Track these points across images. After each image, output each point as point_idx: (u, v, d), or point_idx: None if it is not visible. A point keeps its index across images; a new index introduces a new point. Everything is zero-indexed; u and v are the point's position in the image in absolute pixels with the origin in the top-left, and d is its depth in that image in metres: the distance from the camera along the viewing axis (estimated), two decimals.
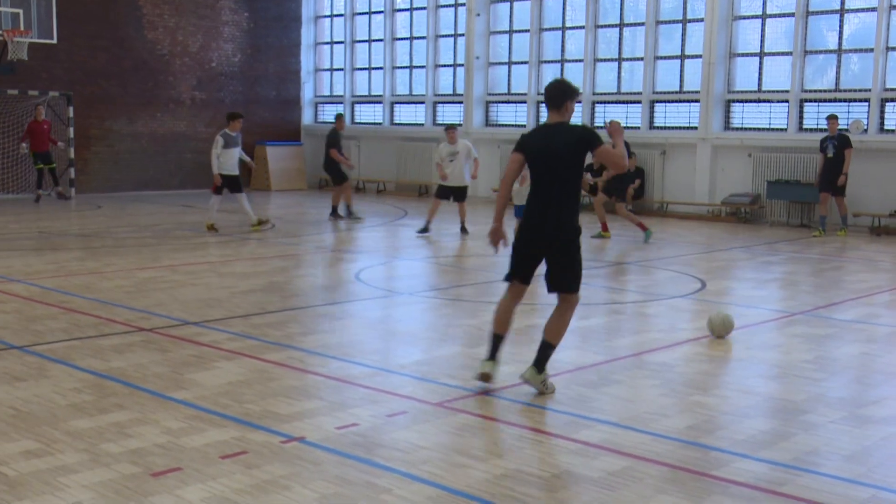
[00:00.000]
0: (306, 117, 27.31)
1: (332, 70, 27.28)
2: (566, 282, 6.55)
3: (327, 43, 27.23)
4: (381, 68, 25.97)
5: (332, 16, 27.03)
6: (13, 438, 5.48)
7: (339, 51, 26.93)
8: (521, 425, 5.91)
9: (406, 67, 25.59)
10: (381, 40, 25.84)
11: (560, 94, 6.51)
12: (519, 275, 6.66)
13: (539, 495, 4.79)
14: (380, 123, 26.05)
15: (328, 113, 27.37)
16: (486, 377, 6.64)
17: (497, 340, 6.67)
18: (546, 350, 6.54)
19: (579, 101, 21.64)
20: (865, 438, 5.76)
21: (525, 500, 4.73)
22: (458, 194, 15.96)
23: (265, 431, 5.66)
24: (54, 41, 21.22)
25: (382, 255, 13.92)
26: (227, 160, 15.62)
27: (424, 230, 15.60)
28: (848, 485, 5.01)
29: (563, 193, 6.44)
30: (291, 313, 9.28)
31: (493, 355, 6.67)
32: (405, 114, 25.67)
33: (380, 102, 26.09)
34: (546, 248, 6.51)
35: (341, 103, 26.85)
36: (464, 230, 15.81)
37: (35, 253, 13.11)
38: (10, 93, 21.36)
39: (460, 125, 15.89)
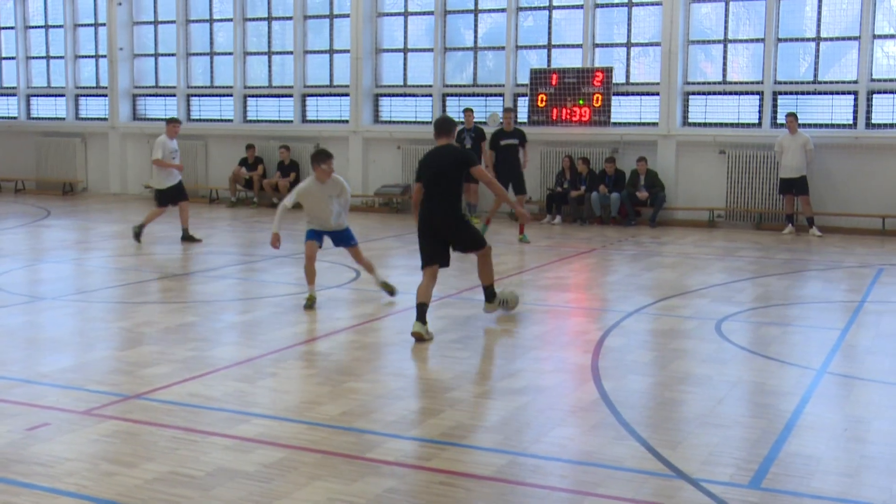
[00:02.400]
0: None
1: None
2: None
3: None
4: (13, 58, 24.08)
5: None
6: None
7: None
8: (175, 426, 5.77)
9: (43, 58, 23.92)
10: (12, 28, 23.95)
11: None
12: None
13: (193, 495, 4.71)
14: (15, 118, 24.17)
15: None
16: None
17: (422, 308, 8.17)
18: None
19: (227, 94, 21.43)
20: (504, 409, 6.23)
21: (179, 501, 4.63)
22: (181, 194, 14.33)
23: None
24: None
25: (24, 258, 12.96)
26: None
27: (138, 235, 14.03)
28: (488, 453, 5.39)
29: None
30: None
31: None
32: (43, 107, 24.01)
33: (14, 95, 24.19)
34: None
35: None
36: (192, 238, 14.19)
37: None
38: None
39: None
